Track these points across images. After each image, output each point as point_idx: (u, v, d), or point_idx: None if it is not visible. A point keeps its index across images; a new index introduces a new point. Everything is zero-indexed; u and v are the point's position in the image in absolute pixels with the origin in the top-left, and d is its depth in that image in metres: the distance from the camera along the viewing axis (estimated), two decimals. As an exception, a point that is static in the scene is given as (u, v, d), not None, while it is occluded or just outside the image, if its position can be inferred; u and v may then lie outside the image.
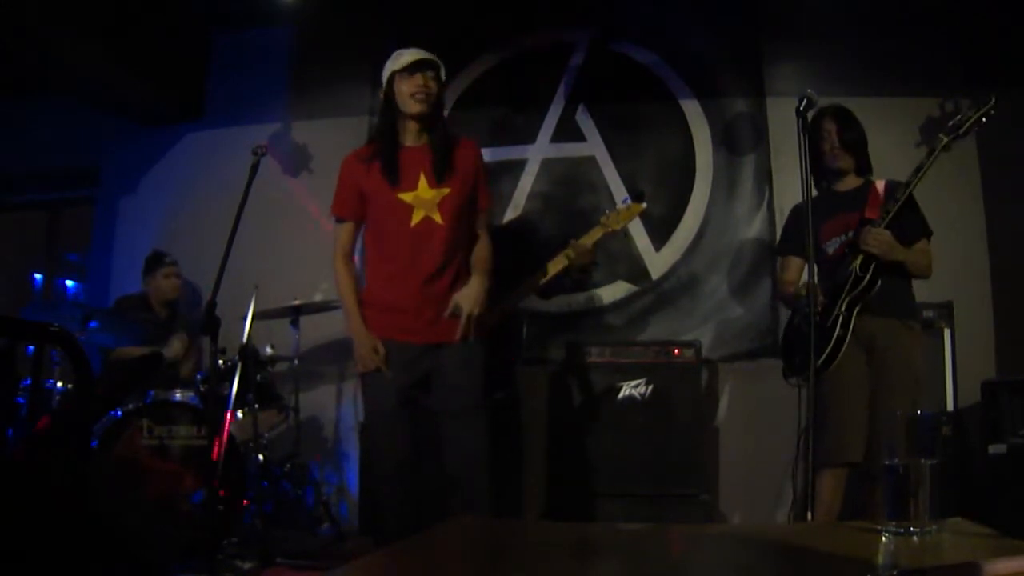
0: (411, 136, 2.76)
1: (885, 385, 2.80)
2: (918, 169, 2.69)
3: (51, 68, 4.37)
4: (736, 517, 4.06)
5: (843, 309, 2.81)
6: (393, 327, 2.73)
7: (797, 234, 2.91)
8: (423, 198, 2.71)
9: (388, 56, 2.82)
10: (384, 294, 2.75)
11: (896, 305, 2.83)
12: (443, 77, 2.79)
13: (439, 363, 2.76)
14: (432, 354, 2.75)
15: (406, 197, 2.71)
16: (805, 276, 2.81)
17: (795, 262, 3.08)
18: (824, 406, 2.72)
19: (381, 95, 2.81)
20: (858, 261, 2.78)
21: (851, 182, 2.97)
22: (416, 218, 2.71)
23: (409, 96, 2.68)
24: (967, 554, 1.22)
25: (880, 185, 2.93)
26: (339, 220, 2.82)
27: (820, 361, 2.81)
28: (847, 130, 2.92)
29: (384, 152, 2.73)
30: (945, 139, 2.66)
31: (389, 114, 2.76)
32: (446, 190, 2.73)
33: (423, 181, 2.72)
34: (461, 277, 2.79)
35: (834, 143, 2.91)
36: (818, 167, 2.96)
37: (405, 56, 2.73)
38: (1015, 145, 4.01)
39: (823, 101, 2.79)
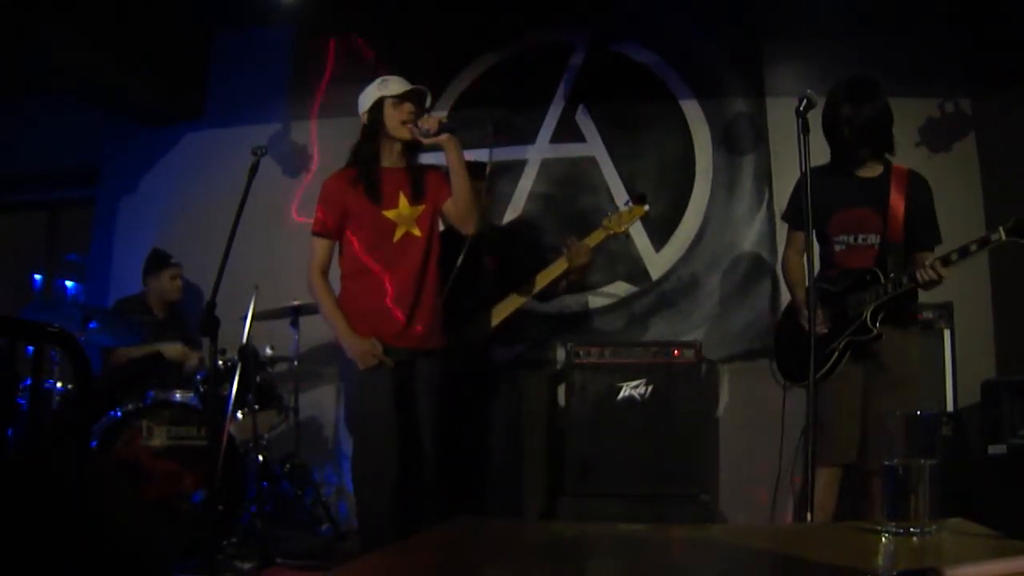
0: (392, 158, 2.95)
1: (880, 385, 2.80)
2: (963, 251, 2.60)
3: (51, 68, 4.37)
4: (736, 517, 4.05)
5: (840, 346, 2.82)
6: (380, 332, 2.86)
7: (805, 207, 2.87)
8: (404, 215, 2.92)
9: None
10: (369, 303, 2.89)
11: (898, 314, 2.81)
12: (428, 104, 2.98)
13: (417, 369, 2.92)
14: (413, 360, 2.91)
15: (390, 214, 2.91)
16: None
17: (802, 238, 2.99)
18: (821, 408, 2.74)
19: (364, 117, 2.95)
20: (869, 311, 2.77)
21: (871, 168, 2.90)
22: (399, 234, 2.91)
23: (400, 123, 2.88)
24: (967, 554, 1.22)
25: (901, 172, 2.88)
26: (321, 236, 2.95)
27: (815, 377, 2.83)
28: (866, 109, 2.80)
29: (368, 173, 2.91)
30: (1004, 237, 2.51)
31: (374, 136, 2.93)
32: (422, 207, 2.94)
33: (403, 200, 2.92)
34: (436, 287, 2.98)
35: (854, 131, 2.80)
36: (836, 146, 2.91)
37: (394, 84, 2.92)
38: (1015, 145, 4.01)
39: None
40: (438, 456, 2.89)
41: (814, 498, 2.67)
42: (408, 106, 2.89)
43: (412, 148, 2.96)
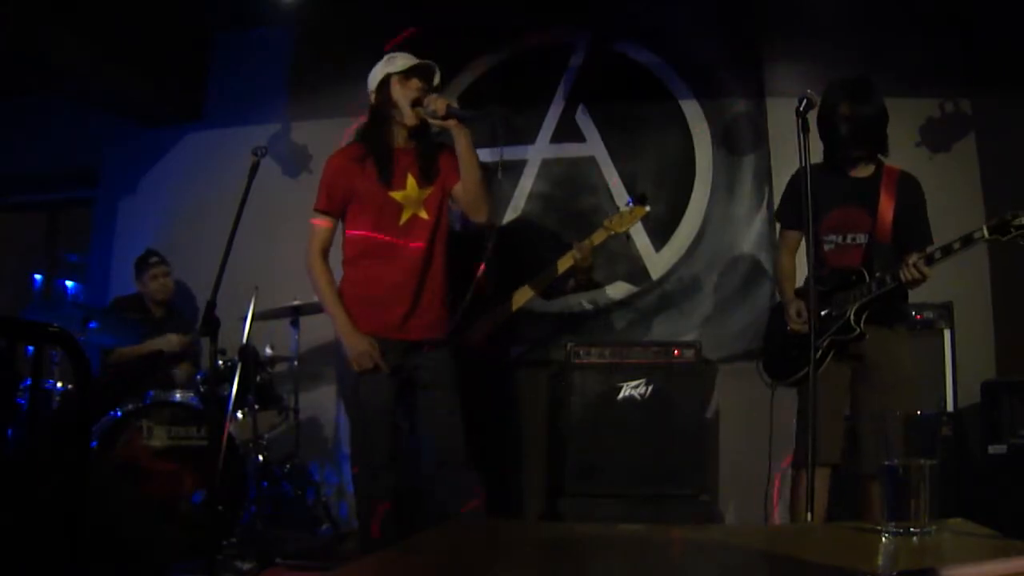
0: (401, 137, 2.83)
1: (870, 387, 2.81)
2: (946, 249, 2.60)
3: (51, 68, 4.37)
4: (736, 517, 4.05)
5: (824, 345, 2.81)
6: (381, 323, 2.77)
7: (796, 206, 2.84)
8: (411, 197, 2.80)
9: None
10: (371, 290, 2.79)
11: (885, 313, 2.82)
12: (437, 81, 2.84)
13: (421, 361, 2.83)
14: (416, 351, 2.81)
15: (397, 196, 2.78)
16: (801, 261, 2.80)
17: (793, 237, 3.05)
18: (804, 408, 2.77)
19: (371, 95, 2.85)
20: (853, 310, 2.77)
21: (863, 168, 2.90)
22: (405, 216, 2.79)
23: (408, 101, 2.76)
24: (967, 554, 1.22)
25: (892, 173, 2.88)
26: (323, 214, 2.83)
27: (798, 376, 2.84)
28: (864, 110, 2.80)
29: (378, 153, 2.79)
30: (986, 235, 2.52)
31: (381, 115, 2.82)
32: (430, 189, 2.82)
33: (411, 181, 2.80)
34: (443, 274, 2.87)
35: (851, 130, 2.80)
36: (830, 145, 2.90)
37: (401, 60, 2.80)
38: (1015, 145, 4.01)
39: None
40: (446, 451, 2.79)
41: (801, 499, 2.68)
42: (415, 82, 2.76)
43: (422, 127, 2.81)
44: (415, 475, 2.87)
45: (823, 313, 2.85)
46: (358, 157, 2.81)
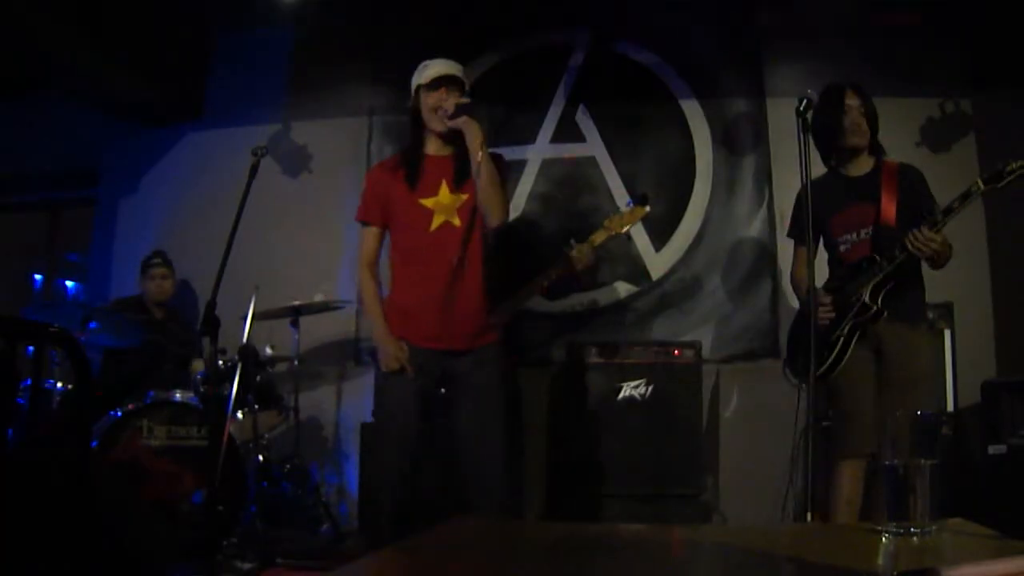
0: (435, 145, 2.86)
1: (889, 383, 2.80)
2: (947, 210, 2.60)
3: (51, 68, 4.37)
4: (736, 517, 4.05)
5: (845, 331, 2.81)
6: (413, 332, 2.78)
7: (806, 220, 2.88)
8: (443, 203, 2.80)
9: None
10: (405, 299, 2.82)
11: (905, 309, 2.81)
12: (467, 90, 2.84)
13: (457, 370, 2.81)
14: (450, 360, 2.80)
15: (427, 203, 2.80)
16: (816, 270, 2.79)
17: (806, 251, 3.06)
18: (839, 400, 2.78)
19: (411, 103, 2.88)
20: (868, 289, 2.77)
21: (863, 164, 2.91)
22: (436, 223, 2.79)
23: (431, 111, 2.78)
24: (967, 554, 1.22)
25: (892, 166, 2.88)
26: (364, 225, 2.90)
27: (823, 369, 2.83)
28: (869, 104, 2.85)
29: (407, 159, 2.84)
30: (982, 187, 2.54)
31: (415, 124, 2.87)
32: (465, 196, 2.81)
33: (444, 187, 2.81)
34: (479, 282, 2.83)
35: (857, 118, 2.82)
36: (830, 146, 2.91)
37: (429, 69, 2.81)
38: (1015, 145, 4.00)
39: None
40: (479, 455, 2.77)
41: (839, 492, 2.67)
42: (442, 92, 2.76)
43: (458, 134, 2.77)
44: (446, 476, 2.87)
45: (843, 303, 2.84)
46: (392, 166, 2.87)
